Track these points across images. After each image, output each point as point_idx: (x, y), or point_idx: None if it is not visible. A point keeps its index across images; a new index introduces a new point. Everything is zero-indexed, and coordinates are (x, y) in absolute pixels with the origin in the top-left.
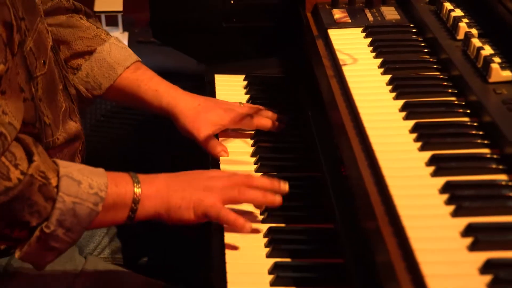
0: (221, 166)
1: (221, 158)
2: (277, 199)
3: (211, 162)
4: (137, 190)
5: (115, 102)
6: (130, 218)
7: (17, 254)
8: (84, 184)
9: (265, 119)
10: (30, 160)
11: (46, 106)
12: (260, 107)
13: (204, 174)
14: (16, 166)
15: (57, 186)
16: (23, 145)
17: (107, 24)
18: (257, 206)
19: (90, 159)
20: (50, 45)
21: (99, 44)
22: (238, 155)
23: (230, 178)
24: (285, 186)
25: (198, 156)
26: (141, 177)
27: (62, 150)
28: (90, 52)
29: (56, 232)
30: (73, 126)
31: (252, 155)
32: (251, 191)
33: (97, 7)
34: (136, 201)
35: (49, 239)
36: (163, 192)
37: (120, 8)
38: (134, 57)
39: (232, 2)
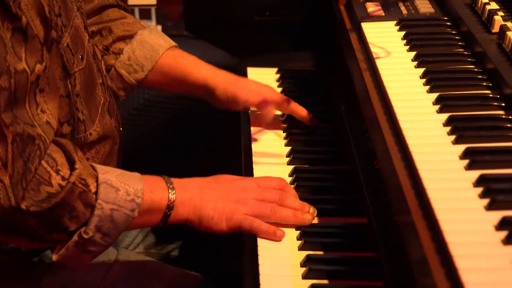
0: (254, 159)
1: (254, 150)
2: (307, 219)
3: (244, 153)
4: (172, 196)
5: (155, 87)
6: (163, 222)
7: (54, 257)
8: (121, 190)
9: (301, 107)
10: (72, 168)
11: (83, 102)
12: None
13: (237, 184)
14: (57, 172)
15: (96, 193)
16: (64, 151)
17: (141, 18)
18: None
19: (123, 153)
20: (87, 39)
21: (139, 28)
22: (270, 147)
23: (264, 192)
24: (314, 213)
25: (230, 149)
26: (175, 182)
27: (99, 151)
28: (131, 36)
29: (94, 237)
30: (109, 121)
31: (285, 146)
32: (283, 211)
33: (131, 1)
34: (170, 207)
35: (87, 243)
36: (196, 200)
37: (154, 2)
38: (172, 42)
39: None
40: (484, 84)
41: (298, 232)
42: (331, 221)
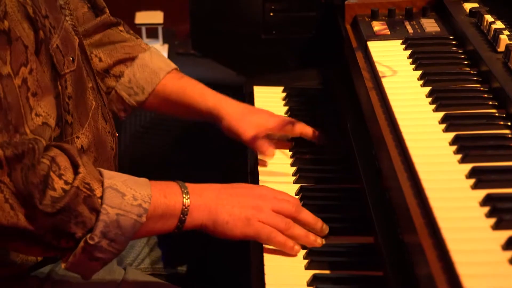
0: (260, 177)
1: (260, 169)
2: (318, 242)
3: (250, 172)
4: (186, 201)
5: (157, 110)
6: (178, 228)
7: (63, 265)
8: (128, 195)
9: (308, 127)
10: (76, 172)
11: (74, 104)
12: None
13: (254, 191)
14: (60, 176)
15: (101, 198)
16: (68, 155)
17: (148, 36)
18: None
19: (131, 169)
20: (77, 42)
21: (140, 52)
22: (277, 166)
23: (280, 202)
24: (326, 230)
25: (238, 166)
26: (190, 187)
27: (91, 155)
28: (132, 59)
29: (100, 243)
30: (103, 126)
31: (291, 166)
32: (296, 229)
33: (138, 20)
34: (185, 212)
35: (93, 250)
36: (212, 205)
37: (161, 21)
38: (173, 64)
39: (271, 14)
40: (490, 103)
41: (305, 251)
42: (337, 240)
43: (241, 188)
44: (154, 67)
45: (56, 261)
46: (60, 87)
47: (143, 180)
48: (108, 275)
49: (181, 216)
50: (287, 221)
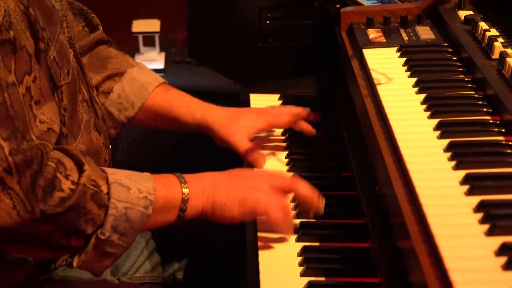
0: None
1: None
2: (321, 207)
3: None
4: (185, 190)
5: (146, 125)
6: (180, 217)
7: (75, 263)
8: (133, 189)
9: (303, 123)
10: (80, 170)
11: (68, 116)
12: (291, 106)
13: (249, 173)
14: (67, 177)
15: (108, 193)
16: (71, 156)
17: (144, 45)
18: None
19: None
20: (72, 54)
21: (128, 67)
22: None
23: (275, 178)
24: (322, 203)
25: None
26: (187, 177)
27: None
28: (121, 74)
29: (111, 237)
30: (96, 138)
31: (287, 173)
32: (301, 185)
33: (135, 28)
34: (185, 200)
35: (105, 245)
36: (209, 190)
37: (158, 29)
38: (161, 79)
39: (267, 22)
40: (485, 110)
41: (300, 258)
42: (333, 247)
43: (236, 172)
44: (142, 82)
45: (50, 272)
46: (57, 99)
47: (145, 174)
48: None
49: (182, 205)
50: (282, 197)
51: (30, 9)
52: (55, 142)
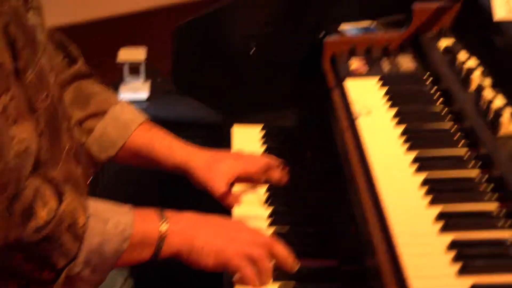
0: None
1: (234, 213)
2: (295, 268)
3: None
4: (163, 227)
5: (126, 163)
6: (155, 255)
7: None
8: (110, 223)
9: (276, 172)
10: (60, 200)
11: (46, 142)
12: (269, 157)
13: (232, 225)
14: (44, 204)
15: (84, 225)
16: (53, 185)
17: (130, 73)
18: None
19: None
20: (53, 80)
21: (111, 104)
22: (251, 210)
23: (256, 235)
24: (295, 266)
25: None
26: (168, 213)
27: None
28: (104, 112)
29: (82, 272)
30: (74, 169)
31: (267, 208)
32: (267, 263)
33: (121, 57)
34: (162, 238)
35: (75, 280)
36: (189, 231)
37: (143, 57)
38: (143, 116)
39: (250, 54)
40: (462, 142)
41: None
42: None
43: (218, 220)
44: (125, 120)
45: None
46: (35, 121)
47: (125, 207)
48: None
49: (159, 242)
50: (260, 253)
51: (10, 27)
52: (32, 164)
